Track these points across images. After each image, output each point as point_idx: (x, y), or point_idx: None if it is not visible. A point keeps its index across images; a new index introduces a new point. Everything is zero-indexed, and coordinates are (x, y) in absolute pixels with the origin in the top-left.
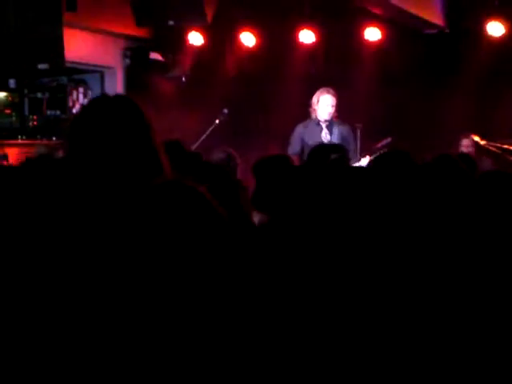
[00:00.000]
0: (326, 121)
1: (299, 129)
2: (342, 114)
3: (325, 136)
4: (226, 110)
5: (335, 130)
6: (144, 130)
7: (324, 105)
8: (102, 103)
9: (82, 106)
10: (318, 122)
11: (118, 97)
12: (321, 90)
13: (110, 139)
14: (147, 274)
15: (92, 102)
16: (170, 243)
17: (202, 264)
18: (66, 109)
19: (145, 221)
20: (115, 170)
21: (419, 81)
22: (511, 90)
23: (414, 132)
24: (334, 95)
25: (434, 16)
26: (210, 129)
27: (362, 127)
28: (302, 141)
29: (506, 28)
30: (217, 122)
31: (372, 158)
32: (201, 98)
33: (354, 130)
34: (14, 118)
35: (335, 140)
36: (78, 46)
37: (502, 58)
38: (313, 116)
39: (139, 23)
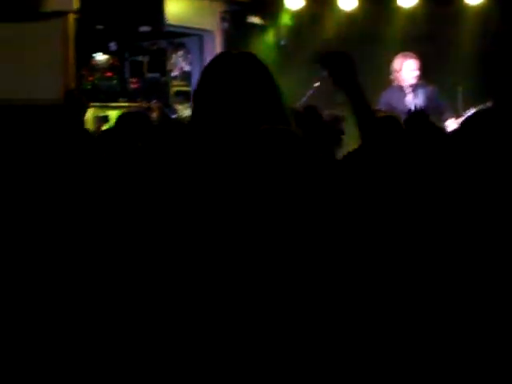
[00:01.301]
0: (410, 85)
1: (385, 95)
2: (442, 75)
3: (411, 100)
4: (325, 73)
5: (420, 93)
6: (272, 87)
7: (408, 70)
8: (228, 59)
9: (209, 63)
10: (401, 88)
11: (243, 53)
12: (402, 54)
13: (239, 96)
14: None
15: (218, 58)
16: (276, 185)
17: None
18: (165, 72)
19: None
20: (242, 127)
21: None
22: None
23: None
24: (416, 58)
25: None
26: (310, 92)
27: (461, 90)
28: (390, 106)
29: None
30: (316, 84)
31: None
32: (300, 61)
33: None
34: (114, 81)
35: (421, 103)
36: (177, 10)
37: None
38: (396, 82)
39: None
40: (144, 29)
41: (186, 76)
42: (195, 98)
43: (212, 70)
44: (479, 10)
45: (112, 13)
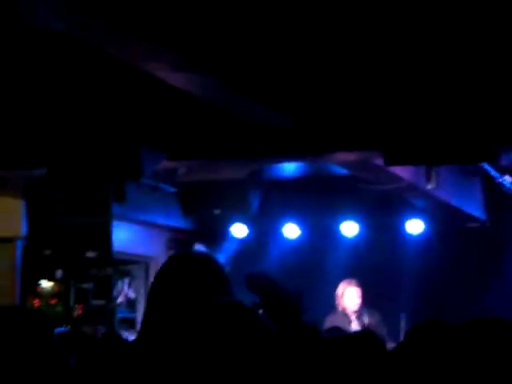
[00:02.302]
0: (353, 311)
1: (329, 320)
2: (385, 301)
3: (355, 327)
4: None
5: (364, 320)
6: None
7: (351, 297)
8: (185, 263)
9: (165, 263)
10: (345, 313)
11: (202, 255)
12: (345, 282)
13: (191, 301)
14: None
15: (173, 260)
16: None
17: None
18: (110, 299)
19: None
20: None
21: (462, 274)
22: None
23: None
24: (358, 285)
25: (476, 209)
26: None
27: (405, 316)
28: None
29: None
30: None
31: None
32: (242, 288)
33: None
34: (59, 308)
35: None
36: (125, 237)
37: None
38: (339, 307)
39: (185, 214)
40: (91, 255)
41: (131, 303)
42: (150, 295)
43: (166, 271)
44: (420, 238)
45: (59, 239)
